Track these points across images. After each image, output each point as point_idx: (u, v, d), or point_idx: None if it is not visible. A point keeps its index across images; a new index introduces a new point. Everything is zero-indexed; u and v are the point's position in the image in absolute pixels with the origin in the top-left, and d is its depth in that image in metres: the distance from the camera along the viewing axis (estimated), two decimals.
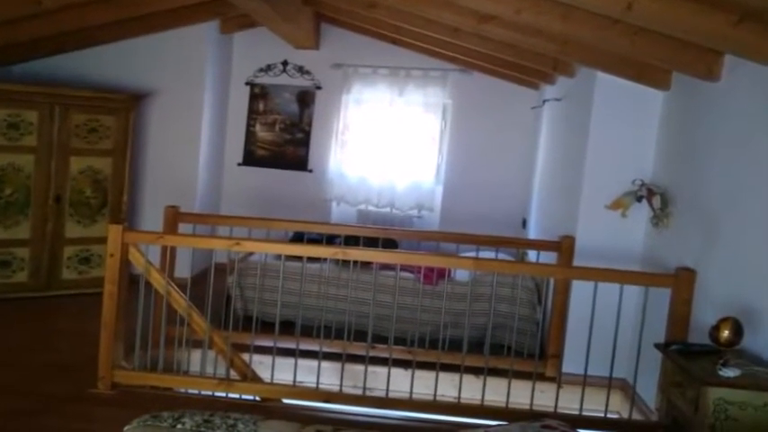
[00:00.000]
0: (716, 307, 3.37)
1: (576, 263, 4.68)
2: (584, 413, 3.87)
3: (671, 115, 4.44)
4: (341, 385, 4.19)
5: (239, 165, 7.86)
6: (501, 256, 5.21)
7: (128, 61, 6.89)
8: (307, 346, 4.43)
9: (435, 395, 4.03)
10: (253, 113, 7.86)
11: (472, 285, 4.94)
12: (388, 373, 4.06)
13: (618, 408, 4.51)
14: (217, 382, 4.04)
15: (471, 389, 4.20)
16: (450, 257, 4.53)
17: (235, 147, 7.87)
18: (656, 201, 4.24)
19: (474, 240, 5.30)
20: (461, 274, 5.49)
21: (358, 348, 4.62)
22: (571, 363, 4.35)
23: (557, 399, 3.98)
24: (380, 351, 4.62)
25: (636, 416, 4.12)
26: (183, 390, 4.29)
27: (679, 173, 4.21)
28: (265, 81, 7.80)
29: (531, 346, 4.82)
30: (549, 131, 6.39)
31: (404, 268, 5.08)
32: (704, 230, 3.74)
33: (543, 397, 4.17)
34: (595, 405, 3.95)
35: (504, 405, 3.93)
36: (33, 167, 5.94)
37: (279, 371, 4.24)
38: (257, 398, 4.14)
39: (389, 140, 7.50)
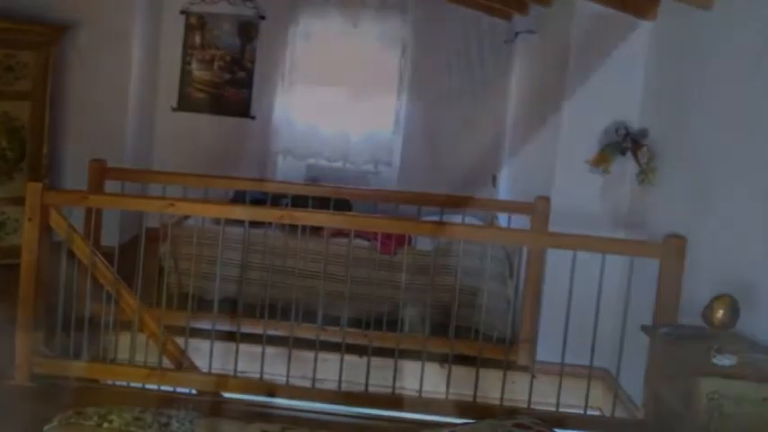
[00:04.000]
0: (710, 281, 3.18)
1: (551, 228, 4.44)
2: (561, 409, 3.70)
3: (658, 50, 4.20)
4: (287, 376, 3.98)
5: (174, 110, 7.44)
6: (468, 220, 5.00)
7: None
8: (250, 328, 4.24)
9: (394, 387, 3.87)
10: (188, 48, 7.38)
11: (435, 255, 4.74)
12: (341, 361, 3.87)
13: (599, 402, 4.35)
14: (148, 373, 3.83)
15: (435, 380, 4.04)
16: (410, 222, 4.35)
17: (168, 88, 7.41)
18: (643, 153, 4.05)
19: (437, 201, 5.08)
20: (423, 242, 5.26)
21: (307, 331, 4.40)
22: (546, 349, 4.18)
23: (530, 392, 3.81)
24: (332, 335, 4.40)
25: (620, 412, 3.93)
26: (110, 381, 4.08)
27: (667, 120, 4.00)
28: (203, 9, 7.30)
29: (501, 327, 4.61)
30: (522, 71, 6.11)
31: (358, 234, 4.86)
32: (696, 189, 3.55)
33: (515, 389, 4.01)
34: (574, 399, 3.81)
35: (471, 399, 3.76)
36: None
37: (218, 358, 4.01)
38: (194, 391, 3.95)
39: (343, 82, 7.12)
